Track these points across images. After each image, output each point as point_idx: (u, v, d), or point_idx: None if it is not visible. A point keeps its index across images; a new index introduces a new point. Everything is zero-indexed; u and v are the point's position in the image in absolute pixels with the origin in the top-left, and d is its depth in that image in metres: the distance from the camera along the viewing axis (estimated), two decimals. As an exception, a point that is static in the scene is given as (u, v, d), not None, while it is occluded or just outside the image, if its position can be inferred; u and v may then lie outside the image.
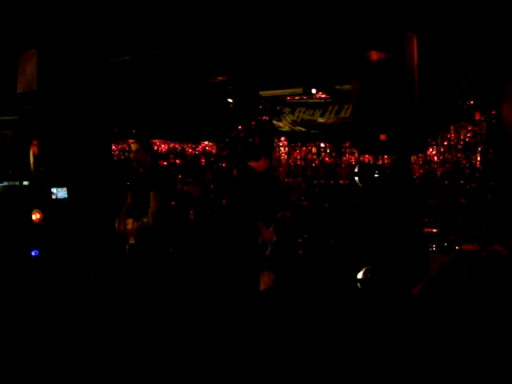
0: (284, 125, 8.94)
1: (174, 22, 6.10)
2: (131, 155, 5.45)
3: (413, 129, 3.10)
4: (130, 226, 5.15)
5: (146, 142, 5.54)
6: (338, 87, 8.14)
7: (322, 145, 8.82)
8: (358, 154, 7.29)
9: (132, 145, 5.52)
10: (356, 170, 3.37)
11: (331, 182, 8.76)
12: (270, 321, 5.80)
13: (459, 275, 2.41)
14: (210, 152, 9.47)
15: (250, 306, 5.81)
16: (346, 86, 7.76)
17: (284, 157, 9.08)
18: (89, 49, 7.01)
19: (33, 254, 6.76)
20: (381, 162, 7.27)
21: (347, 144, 8.36)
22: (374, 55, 3.49)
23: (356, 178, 3.43)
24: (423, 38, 3.39)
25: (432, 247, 6.96)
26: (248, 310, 5.77)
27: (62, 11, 5.70)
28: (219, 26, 6.13)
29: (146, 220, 5.12)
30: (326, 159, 8.74)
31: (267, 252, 5.71)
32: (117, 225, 5.34)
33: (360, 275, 3.82)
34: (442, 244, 6.87)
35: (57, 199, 8.15)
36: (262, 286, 6.35)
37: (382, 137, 3.34)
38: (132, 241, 5.18)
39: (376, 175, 3.39)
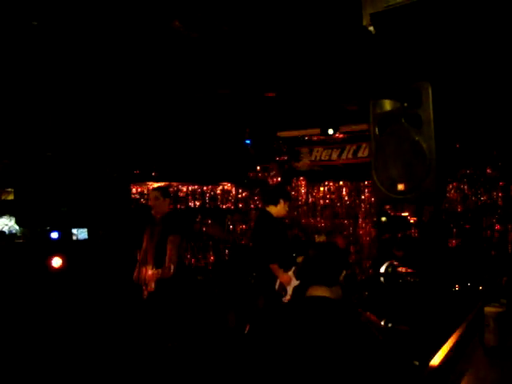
0: (302, 165, 8.97)
1: (193, 69, 6.22)
2: (150, 202, 5.47)
3: (429, 181, 3.08)
4: (150, 273, 5.13)
5: (164, 190, 5.59)
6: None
7: (341, 183, 8.84)
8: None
9: (151, 192, 5.56)
10: (374, 219, 3.34)
11: (351, 221, 8.73)
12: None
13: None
14: (229, 193, 9.51)
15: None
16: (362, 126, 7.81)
17: (303, 196, 9.09)
18: (109, 90, 7.16)
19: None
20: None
21: (366, 183, 8.34)
22: (389, 104, 3.51)
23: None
24: (438, 87, 3.41)
25: (455, 287, 6.84)
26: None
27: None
28: (238, 71, 6.24)
29: (165, 268, 5.10)
30: (345, 198, 8.73)
31: (287, 297, 5.63)
32: (134, 275, 5.34)
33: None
34: (465, 284, 6.75)
35: (77, 240, 8.23)
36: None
37: (400, 186, 3.33)
38: (151, 288, 5.16)
39: (395, 225, 3.36)
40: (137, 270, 5.37)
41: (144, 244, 5.44)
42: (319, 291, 2.61)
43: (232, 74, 6.35)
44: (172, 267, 5.09)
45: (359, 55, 4.34)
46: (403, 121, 3.40)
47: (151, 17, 4.52)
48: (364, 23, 2.94)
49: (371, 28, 2.96)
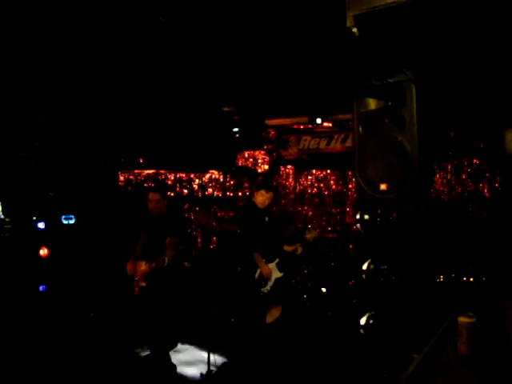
0: (290, 154, 8.97)
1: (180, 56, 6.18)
2: (150, 205, 5.44)
3: (411, 182, 3.11)
4: (142, 268, 5.11)
5: (164, 191, 5.65)
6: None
7: (329, 173, 8.85)
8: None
9: (151, 194, 5.49)
10: (357, 217, 3.36)
11: (338, 210, 8.77)
12: (276, 353, 5.79)
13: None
14: (217, 181, 9.49)
15: (256, 337, 5.81)
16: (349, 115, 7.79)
17: (291, 185, 9.09)
18: (94, 82, 7.09)
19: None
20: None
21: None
22: (373, 103, 3.52)
23: (358, 225, 3.42)
24: (421, 84, 3.41)
25: (439, 278, 6.93)
26: (254, 341, 5.76)
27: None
28: (224, 58, 6.20)
29: (160, 260, 5.09)
30: (333, 187, 8.75)
31: (267, 287, 5.70)
32: (128, 267, 5.31)
33: (363, 321, 3.79)
34: (450, 275, 6.84)
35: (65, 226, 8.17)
36: (269, 319, 6.34)
37: (383, 186, 3.36)
38: (143, 283, 5.15)
39: (378, 222, 3.39)
40: (131, 263, 5.33)
41: (142, 240, 5.48)
42: None
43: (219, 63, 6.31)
44: (166, 260, 5.10)
45: (344, 54, 4.34)
46: (387, 120, 3.43)
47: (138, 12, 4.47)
48: (348, 25, 2.94)
49: (355, 29, 2.95)
